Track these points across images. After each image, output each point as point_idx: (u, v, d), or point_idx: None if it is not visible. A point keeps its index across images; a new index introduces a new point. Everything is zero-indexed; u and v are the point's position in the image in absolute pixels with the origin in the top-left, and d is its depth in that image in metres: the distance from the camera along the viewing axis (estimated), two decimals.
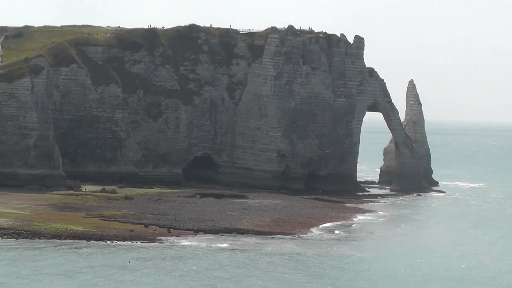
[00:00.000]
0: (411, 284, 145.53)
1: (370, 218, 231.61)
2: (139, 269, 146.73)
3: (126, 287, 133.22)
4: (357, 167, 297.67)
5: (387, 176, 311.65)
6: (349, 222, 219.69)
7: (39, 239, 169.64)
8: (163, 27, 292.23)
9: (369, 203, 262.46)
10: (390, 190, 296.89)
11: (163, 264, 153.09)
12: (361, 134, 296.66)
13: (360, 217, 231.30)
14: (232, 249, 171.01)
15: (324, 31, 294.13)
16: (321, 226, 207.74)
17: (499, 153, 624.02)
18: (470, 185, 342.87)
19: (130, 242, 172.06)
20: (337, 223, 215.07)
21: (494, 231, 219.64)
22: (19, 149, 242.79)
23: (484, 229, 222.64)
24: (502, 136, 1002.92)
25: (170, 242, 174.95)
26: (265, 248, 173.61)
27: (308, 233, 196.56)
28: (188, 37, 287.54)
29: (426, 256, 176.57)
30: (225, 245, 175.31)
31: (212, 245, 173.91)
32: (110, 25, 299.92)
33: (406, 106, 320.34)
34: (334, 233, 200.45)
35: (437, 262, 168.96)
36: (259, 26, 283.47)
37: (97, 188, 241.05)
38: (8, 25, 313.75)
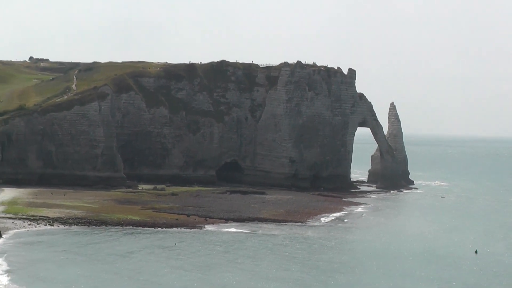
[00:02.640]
0: (389, 258, 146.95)
1: (361, 209, 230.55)
2: (184, 249, 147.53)
3: (173, 263, 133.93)
4: (351, 170, 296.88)
5: (374, 177, 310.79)
6: (345, 212, 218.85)
7: (105, 226, 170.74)
8: (200, 62, 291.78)
9: (360, 198, 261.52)
10: (376, 188, 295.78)
11: (201, 245, 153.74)
12: (353, 144, 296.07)
13: (353, 208, 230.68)
14: (254, 233, 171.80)
15: (324, 65, 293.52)
16: (323, 215, 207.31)
17: (460, 159, 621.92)
18: (438, 183, 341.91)
19: (176, 228, 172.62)
20: (335, 213, 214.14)
21: (455, 218, 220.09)
22: (89, 156, 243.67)
23: (447, 216, 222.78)
24: (464, 146, 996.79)
25: (207, 228, 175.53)
26: (279, 232, 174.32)
27: (313, 221, 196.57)
28: (220, 70, 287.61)
29: (401, 237, 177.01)
30: (248, 230, 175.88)
31: (239, 230, 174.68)
32: (159, 61, 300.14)
33: (388, 122, 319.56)
34: (334, 221, 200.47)
35: (409, 242, 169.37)
36: (275, 61, 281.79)
37: (150, 186, 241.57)
38: (80, 61, 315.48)
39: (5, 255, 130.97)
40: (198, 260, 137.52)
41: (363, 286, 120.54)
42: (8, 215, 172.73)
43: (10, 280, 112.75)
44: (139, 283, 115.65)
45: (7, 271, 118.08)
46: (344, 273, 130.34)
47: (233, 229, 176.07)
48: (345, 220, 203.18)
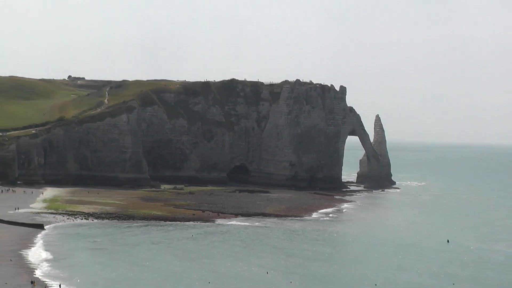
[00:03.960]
0: (372, 246, 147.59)
1: (351, 205, 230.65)
2: (200, 240, 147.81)
3: (191, 251, 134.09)
4: (342, 172, 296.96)
5: (361, 178, 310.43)
6: (337, 208, 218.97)
7: (132, 220, 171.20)
8: (214, 80, 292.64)
9: (350, 196, 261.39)
10: (364, 187, 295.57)
11: (214, 235, 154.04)
12: (344, 150, 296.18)
13: (344, 205, 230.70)
14: (260, 226, 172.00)
15: (320, 82, 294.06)
16: (318, 211, 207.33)
17: (435, 163, 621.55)
18: (416, 183, 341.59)
19: (192, 222, 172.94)
20: (329, 209, 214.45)
21: (430, 212, 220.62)
22: (119, 161, 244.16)
23: (424, 211, 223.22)
24: (439, 152, 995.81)
25: (219, 222, 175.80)
26: (281, 225, 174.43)
27: (310, 216, 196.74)
28: (230, 87, 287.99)
29: (384, 229, 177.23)
30: (255, 223, 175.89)
31: (246, 223, 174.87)
32: (179, 79, 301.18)
33: (374, 131, 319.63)
34: (328, 215, 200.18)
35: (391, 233, 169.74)
36: (277, 79, 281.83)
37: (170, 186, 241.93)
38: (111, 80, 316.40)
39: (47, 245, 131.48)
40: (212, 248, 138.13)
41: (348, 269, 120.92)
42: (49, 211, 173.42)
43: (51, 266, 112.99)
44: (163, 266, 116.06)
45: (49, 259, 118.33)
46: (325, 254, 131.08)
47: (241, 223, 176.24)
48: (336, 215, 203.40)
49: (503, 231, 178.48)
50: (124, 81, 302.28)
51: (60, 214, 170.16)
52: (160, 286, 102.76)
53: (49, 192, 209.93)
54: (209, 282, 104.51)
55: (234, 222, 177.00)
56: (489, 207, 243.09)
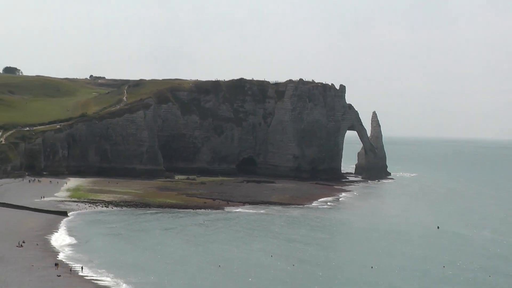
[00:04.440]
0: (368, 232, 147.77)
1: (349, 195, 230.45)
2: (210, 226, 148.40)
3: (203, 236, 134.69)
4: (341, 164, 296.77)
5: (359, 169, 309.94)
6: (336, 197, 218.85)
7: (149, 208, 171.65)
8: (224, 79, 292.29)
9: (348, 186, 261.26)
10: (361, 178, 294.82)
11: (224, 222, 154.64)
12: (343, 144, 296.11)
13: (342, 194, 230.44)
14: (266, 213, 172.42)
15: (321, 81, 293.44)
16: (319, 200, 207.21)
17: (427, 156, 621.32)
18: (409, 174, 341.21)
19: (204, 209, 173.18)
20: (329, 198, 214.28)
21: (421, 201, 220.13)
22: (137, 153, 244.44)
23: (416, 200, 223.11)
24: (431, 146, 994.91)
25: (228, 210, 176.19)
26: (285, 213, 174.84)
27: (311, 204, 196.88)
28: (239, 86, 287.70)
29: (379, 217, 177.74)
30: (261, 211, 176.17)
31: (253, 211, 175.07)
32: (191, 78, 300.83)
33: (371, 127, 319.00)
34: (327, 204, 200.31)
35: (385, 220, 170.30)
36: (282, 78, 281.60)
37: (184, 177, 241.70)
38: (130, 79, 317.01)
39: (70, 230, 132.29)
40: (222, 232, 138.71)
41: (342, 252, 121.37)
42: (73, 199, 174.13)
43: (74, 250, 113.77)
44: (177, 250, 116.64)
45: (72, 244, 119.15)
46: (325, 239, 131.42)
47: (248, 210, 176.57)
48: (335, 203, 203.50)
49: (488, 219, 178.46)
50: (141, 80, 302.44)
51: (82, 202, 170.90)
52: (172, 269, 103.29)
53: (72, 182, 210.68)
54: (220, 266, 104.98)
55: (242, 209, 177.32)
56: (476, 197, 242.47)
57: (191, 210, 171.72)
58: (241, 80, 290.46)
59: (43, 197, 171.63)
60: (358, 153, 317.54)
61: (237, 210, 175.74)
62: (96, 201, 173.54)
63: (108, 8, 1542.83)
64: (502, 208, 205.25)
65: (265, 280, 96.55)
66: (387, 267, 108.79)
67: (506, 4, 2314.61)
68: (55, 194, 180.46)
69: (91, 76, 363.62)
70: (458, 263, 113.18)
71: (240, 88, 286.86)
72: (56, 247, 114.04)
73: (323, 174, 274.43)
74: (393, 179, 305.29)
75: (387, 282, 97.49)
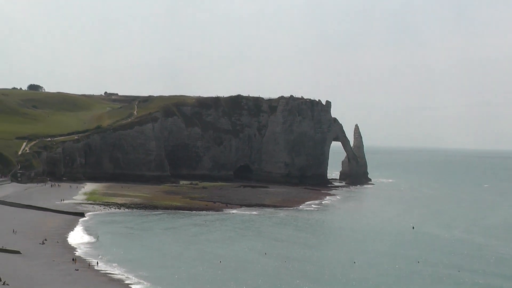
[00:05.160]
0: (350, 231, 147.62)
1: (333, 198, 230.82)
2: (211, 225, 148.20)
3: (204, 234, 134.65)
4: (327, 171, 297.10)
5: (343, 176, 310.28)
6: (323, 201, 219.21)
7: (156, 209, 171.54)
8: (223, 96, 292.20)
9: (333, 190, 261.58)
10: (345, 183, 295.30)
11: (223, 222, 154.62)
12: (329, 153, 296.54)
13: (328, 197, 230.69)
14: (260, 214, 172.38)
15: (309, 97, 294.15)
16: (307, 202, 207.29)
17: (405, 164, 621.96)
18: (387, 180, 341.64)
19: (205, 211, 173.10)
20: (315, 201, 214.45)
21: (398, 204, 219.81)
22: (145, 161, 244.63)
23: (393, 203, 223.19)
24: (408, 155, 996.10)
25: (227, 211, 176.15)
26: (277, 214, 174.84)
27: (300, 206, 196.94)
28: (236, 101, 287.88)
29: (360, 218, 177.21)
30: (255, 212, 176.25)
31: (248, 212, 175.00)
32: (194, 94, 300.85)
33: (354, 138, 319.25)
34: (314, 206, 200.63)
35: (365, 220, 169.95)
36: (275, 95, 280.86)
37: (187, 182, 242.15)
38: (139, 95, 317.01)
39: (87, 229, 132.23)
40: (222, 231, 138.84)
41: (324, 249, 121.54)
42: (89, 202, 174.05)
43: (89, 247, 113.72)
44: (181, 247, 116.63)
45: (88, 242, 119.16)
46: (313, 238, 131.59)
47: (245, 212, 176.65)
48: (321, 206, 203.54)
49: (458, 220, 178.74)
50: (150, 96, 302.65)
51: (97, 204, 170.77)
52: (177, 264, 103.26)
53: (89, 186, 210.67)
54: (220, 261, 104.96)
55: (238, 211, 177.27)
56: (447, 200, 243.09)
57: (194, 211, 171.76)
58: (238, 96, 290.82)
59: (63, 200, 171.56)
60: (342, 161, 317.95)
61: (235, 212, 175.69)
62: (109, 204, 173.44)
63: (121, 32, 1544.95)
64: (471, 211, 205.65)
65: (260, 274, 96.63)
66: (369, 263, 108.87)
67: (469, 30, 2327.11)
68: (74, 197, 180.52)
69: (105, 92, 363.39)
70: (431, 260, 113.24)
71: (237, 104, 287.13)
72: (74, 244, 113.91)
73: (311, 180, 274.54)
74: (373, 184, 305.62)
75: (369, 276, 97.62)
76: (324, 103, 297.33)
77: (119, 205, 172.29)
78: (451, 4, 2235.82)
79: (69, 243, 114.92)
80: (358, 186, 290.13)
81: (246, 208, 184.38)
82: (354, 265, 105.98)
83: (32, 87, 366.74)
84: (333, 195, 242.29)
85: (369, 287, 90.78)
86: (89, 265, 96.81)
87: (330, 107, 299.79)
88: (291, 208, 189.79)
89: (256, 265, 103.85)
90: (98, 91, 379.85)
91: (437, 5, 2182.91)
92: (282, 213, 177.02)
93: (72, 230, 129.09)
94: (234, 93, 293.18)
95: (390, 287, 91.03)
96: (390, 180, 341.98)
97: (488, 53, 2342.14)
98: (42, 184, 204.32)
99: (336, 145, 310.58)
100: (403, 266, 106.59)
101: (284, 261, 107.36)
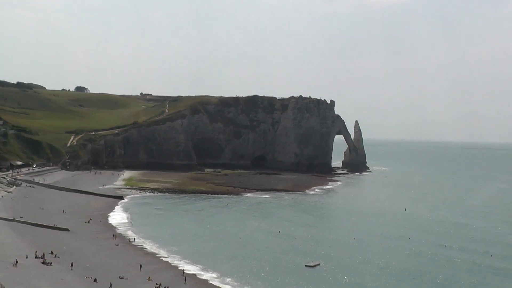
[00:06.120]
0: (351, 213, 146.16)
1: (337, 184, 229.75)
2: (232, 207, 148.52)
3: (225, 213, 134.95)
4: (331, 160, 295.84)
5: (345, 164, 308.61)
6: (328, 186, 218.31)
7: (185, 193, 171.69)
8: (242, 96, 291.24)
9: (337, 177, 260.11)
10: (347, 171, 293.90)
11: (242, 204, 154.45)
12: (333, 145, 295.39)
13: (332, 183, 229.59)
14: (273, 197, 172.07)
15: (316, 97, 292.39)
16: (313, 187, 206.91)
17: (399, 154, 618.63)
18: (383, 168, 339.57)
19: (226, 195, 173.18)
20: (321, 186, 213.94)
21: (392, 189, 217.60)
22: (175, 152, 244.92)
23: (388, 188, 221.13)
24: (401, 147, 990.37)
25: (245, 195, 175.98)
26: (288, 197, 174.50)
27: (307, 191, 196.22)
28: (253, 101, 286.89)
29: (359, 201, 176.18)
30: (269, 196, 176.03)
31: (262, 196, 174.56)
32: (217, 95, 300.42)
33: (354, 132, 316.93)
34: (321, 190, 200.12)
35: (364, 203, 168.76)
36: (286, 94, 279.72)
37: (211, 170, 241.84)
38: (170, 95, 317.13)
39: (125, 210, 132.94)
40: (241, 211, 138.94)
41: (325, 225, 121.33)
42: (127, 187, 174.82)
43: (129, 224, 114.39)
44: (206, 226, 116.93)
45: (128, 221, 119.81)
46: (319, 218, 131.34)
47: (260, 195, 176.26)
48: (326, 190, 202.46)
49: (444, 203, 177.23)
50: (179, 96, 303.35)
51: (134, 189, 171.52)
52: (202, 239, 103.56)
53: (127, 173, 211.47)
54: (240, 237, 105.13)
55: (255, 195, 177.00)
56: (437, 185, 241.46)
57: (217, 195, 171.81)
58: (255, 96, 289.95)
59: (105, 185, 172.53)
60: (344, 152, 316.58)
61: (251, 195, 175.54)
62: (144, 188, 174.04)
63: (155, 43, 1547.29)
64: (453, 194, 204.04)
65: (276, 248, 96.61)
66: (366, 239, 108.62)
67: (455, 37, 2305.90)
68: (114, 183, 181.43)
69: (141, 93, 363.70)
70: (420, 237, 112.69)
71: (254, 102, 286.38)
72: (114, 223, 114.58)
73: (317, 168, 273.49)
74: (371, 172, 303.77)
75: (365, 249, 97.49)
76: (328, 102, 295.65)
77: (153, 190, 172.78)
78: (437, 19, 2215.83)
79: (110, 222, 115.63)
80: (357, 173, 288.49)
81: (261, 192, 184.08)
82: (353, 240, 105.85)
83: (79, 89, 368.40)
84: (336, 181, 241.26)
85: (366, 259, 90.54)
86: (129, 241, 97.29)
87: (334, 106, 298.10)
88: (300, 192, 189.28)
89: (270, 241, 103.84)
90: (135, 92, 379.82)
91: (425, 19, 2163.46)
92: (292, 196, 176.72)
93: (113, 211, 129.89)
94: (251, 93, 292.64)
95: (385, 258, 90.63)
96: (386, 168, 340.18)
97: (468, 61, 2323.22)
98: (87, 171, 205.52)
99: (339, 138, 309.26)
100: (396, 242, 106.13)
101: (294, 238, 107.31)
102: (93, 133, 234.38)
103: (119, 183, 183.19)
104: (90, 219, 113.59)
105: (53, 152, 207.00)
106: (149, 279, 70.47)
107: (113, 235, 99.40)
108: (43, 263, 73.44)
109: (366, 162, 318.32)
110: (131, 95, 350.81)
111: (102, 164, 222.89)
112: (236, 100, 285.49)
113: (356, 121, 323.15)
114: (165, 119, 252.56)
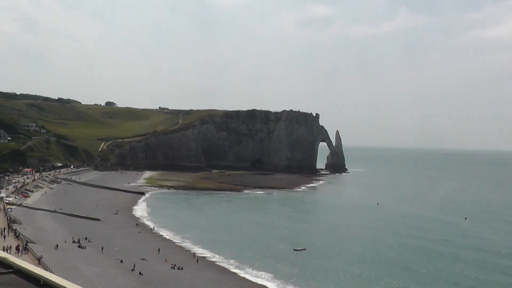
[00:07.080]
0: (331, 207, 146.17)
1: (321, 183, 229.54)
2: (235, 201, 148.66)
3: (229, 207, 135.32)
4: (317, 163, 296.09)
5: (328, 167, 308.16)
6: (313, 184, 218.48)
7: (195, 190, 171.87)
8: (243, 109, 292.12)
9: (321, 177, 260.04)
10: (329, 172, 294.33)
11: (242, 199, 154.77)
12: (318, 151, 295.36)
13: (316, 182, 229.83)
14: (267, 194, 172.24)
15: (304, 111, 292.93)
16: (302, 186, 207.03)
17: (374, 158, 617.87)
18: (360, 170, 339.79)
19: (229, 191, 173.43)
20: (308, 184, 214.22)
21: (367, 187, 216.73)
22: (188, 155, 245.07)
23: (363, 185, 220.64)
24: (378, 152, 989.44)
25: (245, 192, 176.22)
26: (279, 194, 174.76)
27: (297, 188, 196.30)
28: (252, 113, 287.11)
29: (339, 196, 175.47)
30: (263, 192, 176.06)
31: (259, 193, 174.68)
32: (222, 108, 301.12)
33: (335, 140, 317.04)
34: (306, 188, 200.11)
35: (343, 198, 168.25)
36: (279, 108, 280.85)
37: (217, 171, 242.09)
38: (183, 109, 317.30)
39: (146, 204, 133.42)
40: (241, 204, 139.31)
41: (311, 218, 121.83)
42: (148, 184, 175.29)
43: (149, 215, 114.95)
44: (213, 217, 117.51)
45: (148, 213, 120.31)
46: (306, 211, 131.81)
47: (257, 192, 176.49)
48: (313, 189, 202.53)
49: (411, 197, 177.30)
50: (191, 110, 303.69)
51: (154, 186, 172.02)
52: (210, 228, 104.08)
53: (147, 174, 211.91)
54: (240, 227, 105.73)
55: (253, 191, 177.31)
56: (403, 183, 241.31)
57: (222, 191, 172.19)
58: (253, 110, 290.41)
59: (129, 183, 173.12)
60: (327, 156, 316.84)
61: (250, 192, 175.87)
62: (162, 186, 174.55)
63: (170, 66, 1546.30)
64: (415, 191, 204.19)
65: (270, 235, 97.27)
66: (343, 228, 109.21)
67: (419, 61, 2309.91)
68: (137, 181, 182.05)
69: (159, 107, 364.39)
70: (388, 227, 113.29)
71: (252, 115, 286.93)
72: (137, 215, 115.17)
73: (305, 169, 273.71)
74: (349, 173, 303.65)
75: (343, 237, 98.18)
76: (314, 115, 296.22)
77: (169, 187, 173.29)
78: (403, 47, 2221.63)
79: (134, 214, 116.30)
80: (338, 174, 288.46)
81: (258, 189, 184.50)
82: (334, 230, 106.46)
83: (108, 103, 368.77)
84: (320, 180, 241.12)
85: (346, 244, 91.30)
86: (151, 229, 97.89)
87: (319, 118, 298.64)
88: (290, 190, 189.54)
89: (265, 230, 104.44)
90: (155, 106, 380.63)
91: (393, 48, 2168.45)
92: (283, 193, 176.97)
93: (136, 205, 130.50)
94: (250, 107, 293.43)
95: (358, 244, 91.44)
96: (361, 170, 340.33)
97: (427, 81, 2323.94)
98: (115, 171, 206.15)
99: (323, 145, 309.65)
100: (369, 231, 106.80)
101: (286, 227, 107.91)
102: (120, 140, 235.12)
103: (141, 181, 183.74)
104: (118, 211, 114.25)
105: (87, 156, 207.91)
106: (166, 261, 71.34)
107: (136, 224, 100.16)
108: (79, 247, 74.30)
109: (345, 165, 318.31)
110: (151, 109, 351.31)
111: (127, 166, 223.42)
112: (238, 113, 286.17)
113: (337, 131, 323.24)
114: (179, 129, 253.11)
